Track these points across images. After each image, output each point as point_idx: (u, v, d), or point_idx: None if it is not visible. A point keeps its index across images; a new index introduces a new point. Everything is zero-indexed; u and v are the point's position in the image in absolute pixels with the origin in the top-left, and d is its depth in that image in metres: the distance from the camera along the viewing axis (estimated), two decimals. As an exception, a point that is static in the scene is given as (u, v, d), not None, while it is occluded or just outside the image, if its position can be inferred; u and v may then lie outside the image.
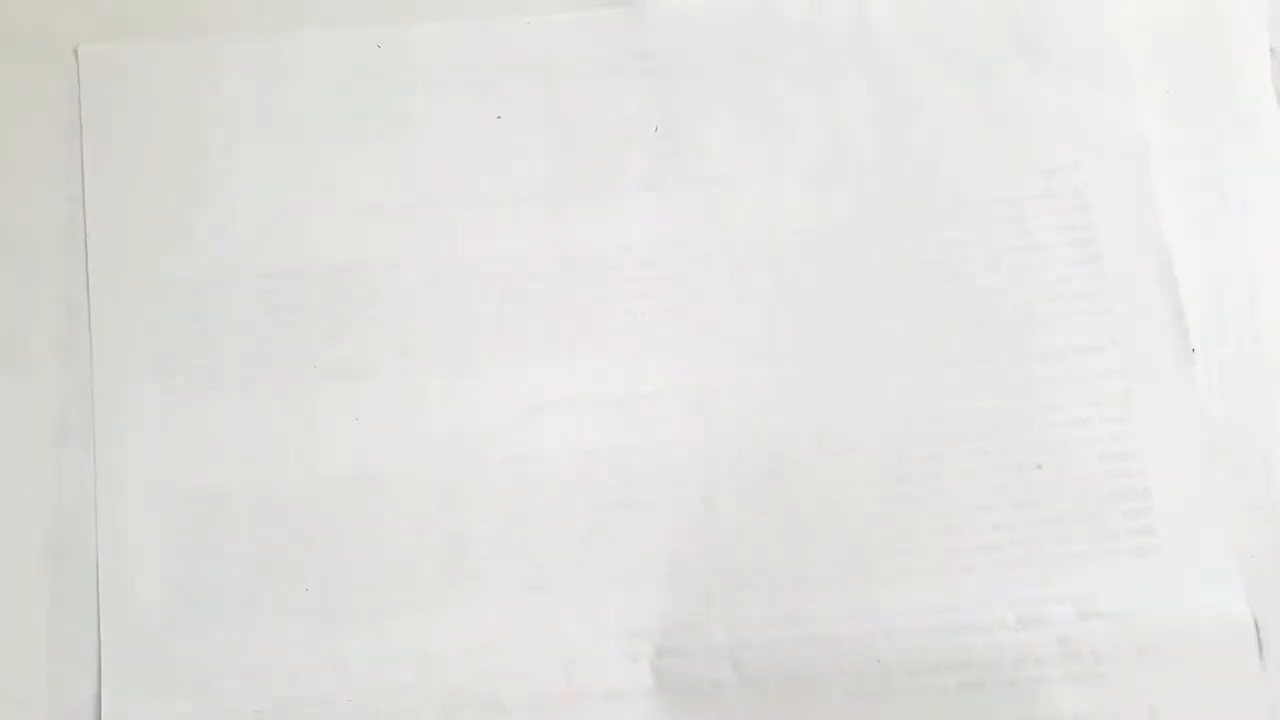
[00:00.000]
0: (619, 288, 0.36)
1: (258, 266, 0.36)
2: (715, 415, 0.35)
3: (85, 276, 0.36)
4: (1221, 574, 0.34)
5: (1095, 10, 0.37)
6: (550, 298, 0.36)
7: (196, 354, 0.35)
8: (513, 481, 0.35)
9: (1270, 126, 0.37)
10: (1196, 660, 0.33)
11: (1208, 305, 0.36)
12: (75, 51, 0.37)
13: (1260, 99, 0.37)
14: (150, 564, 0.34)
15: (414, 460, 0.35)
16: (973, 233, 0.36)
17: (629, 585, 0.34)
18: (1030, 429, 0.35)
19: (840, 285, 0.35)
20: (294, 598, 0.34)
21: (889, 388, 0.35)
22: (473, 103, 0.37)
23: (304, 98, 0.37)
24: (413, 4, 0.37)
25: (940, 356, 0.35)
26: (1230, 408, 0.35)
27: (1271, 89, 0.37)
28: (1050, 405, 0.35)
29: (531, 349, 0.35)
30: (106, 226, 0.36)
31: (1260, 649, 0.34)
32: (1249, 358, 0.36)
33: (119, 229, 0.36)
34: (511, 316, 0.36)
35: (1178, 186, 0.36)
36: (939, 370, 0.35)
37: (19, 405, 0.35)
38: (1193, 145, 0.36)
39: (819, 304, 0.35)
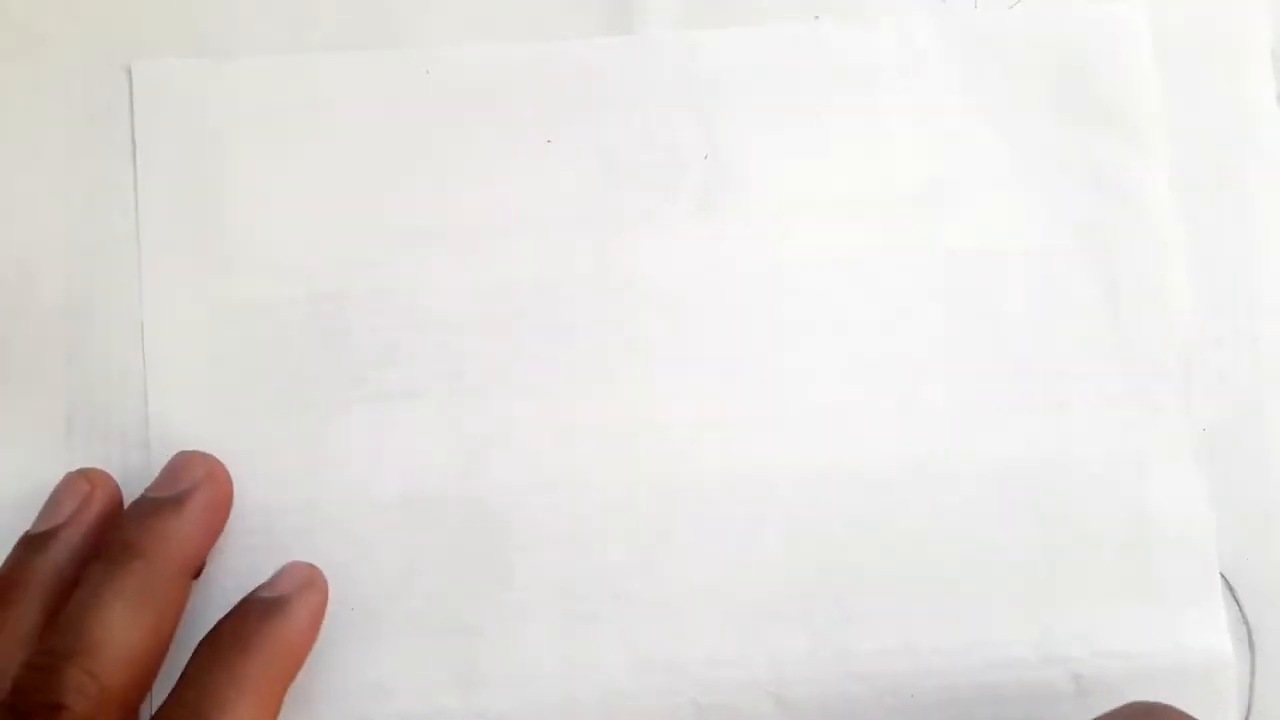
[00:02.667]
0: (664, 315, 0.36)
1: (307, 290, 0.36)
2: (758, 447, 0.35)
3: (87, 278, 0.35)
4: (1211, 617, 0.35)
5: (1130, 73, 0.37)
6: (596, 323, 0.36)
7: (246, 376, 0.35)
8: (557, 508, 0.35)
9: (1270, 128, 0.37)
10: (1185, 694, 0.34)
11: (1206, 306, 0.37)
12: (128, 69, 0.36)
13: (1260, 100, 0.37)
14: (196, 584, 0.34)
15: (458, 484, 0.35)
16: (1008, 281, 0.36)
17: (671, 617, 0.35)
18: (1057, 478, 0.36)
19: (883, 321, 0.36)
20: (338, 618, 0.34)
21: (928, 428, 0.36)
22: (522, 127, 0.37)
23: (355, 119, 0.37)
24: (462, 28, 0.37)
25: (978, 401, 0.36)
26: (1227, 411, 0.36)
27: (1272, 90, 0.37)
28: (1074, 456, 0.36)
29: (577, 374, 0.36)
30: (159, 247, 0.36)
31: (1250, 650, 0.35)
32: (1247, 359, 0.36)
33: (171, 250, 0.36)
34: (557, 341, 0.36)
35: (1177, 187, 0.37)
36: (977, 415, 0.36)
37: (23, 406, 0.35)
38: (1192, 146, 0.37)
39: (862, 338, 0.36)
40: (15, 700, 0.30)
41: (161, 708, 0.31)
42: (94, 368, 0.35)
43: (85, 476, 0.34)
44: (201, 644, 0.32)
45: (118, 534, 0.32)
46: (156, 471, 0.34)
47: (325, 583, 0.34)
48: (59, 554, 0.32)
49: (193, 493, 0.33)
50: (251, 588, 0.34)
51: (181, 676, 0.31)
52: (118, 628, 0.30)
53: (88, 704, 0.29)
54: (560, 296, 0.36)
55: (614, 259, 0.36)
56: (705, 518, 0.35)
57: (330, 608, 0.34)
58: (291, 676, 0.32)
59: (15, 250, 0.36)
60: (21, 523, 0.33)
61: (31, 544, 0.32)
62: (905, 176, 0.37)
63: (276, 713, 0.32)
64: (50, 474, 0.34)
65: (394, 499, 0.35)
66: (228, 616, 0.32)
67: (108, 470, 0.34)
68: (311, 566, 0.34)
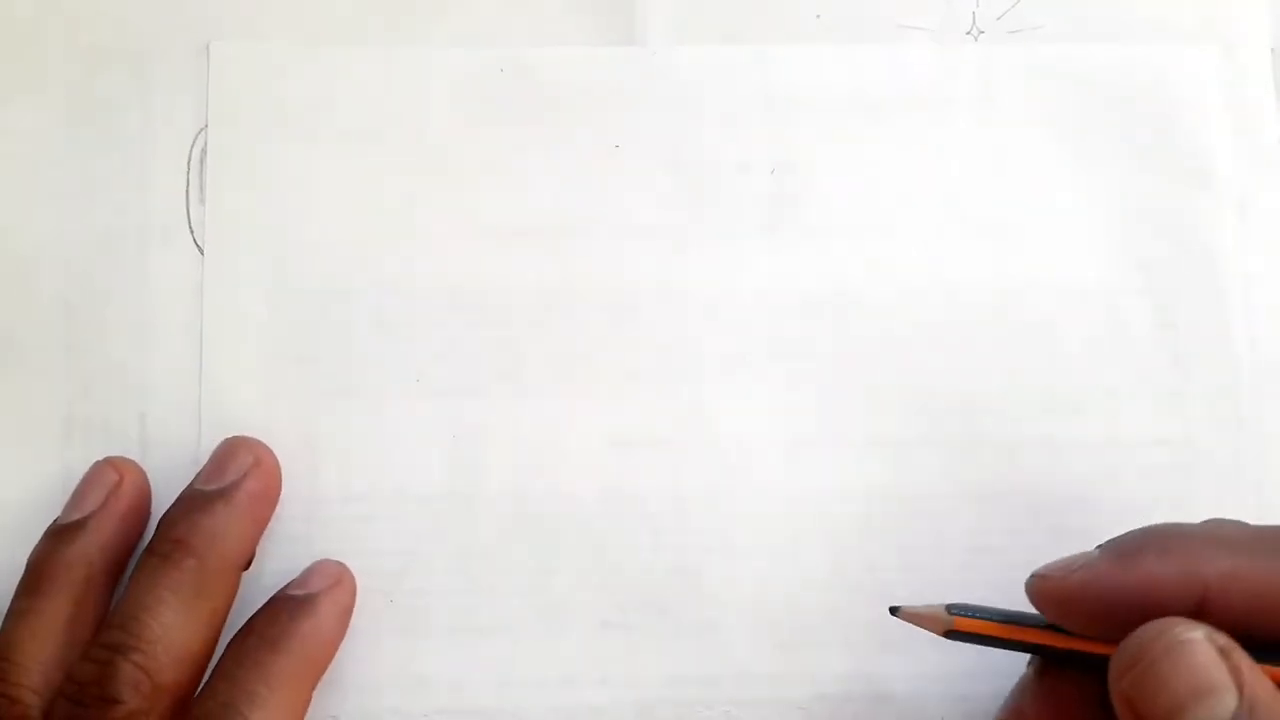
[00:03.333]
0: (722, 328, 0.36)
1: (370, 280, 0.36)
2: (808, 466, 0.36)
3: (87, 276, 0.36)
4: None
5: (1201, 116, 0.37)
6: (653, 332, 0.36)
7: (303, 362, 0.36)
8: (602, 514, 0.35)
9: (1270, 127, 0.37)
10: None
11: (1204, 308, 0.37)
12: (207, 47, 0.36)
13: (1260, 99, 0.37)
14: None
15: (507, 483, 0.35)
16: (1069, 316, 0.36)
17: (708, 629, 0.35)
18: (1106, 512, 0.36)
19: (942, 348, 0.36)
20: (380, 610, 0.34)
21: (980, 456, 0.36)
22: (593, 131, 0.37)
23: (427, 114, 0.37)
24: (540, 31, 0.37)
25: (1032, 433, 0.36)
26: (1221, 412, 0.36)
27: (1272, 89, 0.37)
28: (1124, 491, 0.36)
29: (631, 382, 0.36)
30: (223, 227, 0.36)
31: None
32: (1244, 362, 0.36)
33: (235, 230, 0.36)
34: (613, 348, 0.36)
35: None
36: (1029, 446, 0.36)
37: (23, 406, 0.35)
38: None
39: (920, 364, 0.36)
40: (72, 691, 0.30)
41: (195, 700, 0.31)
42: (94, 367, 0.35)
43: (113, 466, 0.34)
44: (234, 640, 0.32)
45: (169, 530, 0.32)
46: (156, 474, 0.35)
47: (353, 580, 0.34)
48: (88, 545, 0.32)
49: (241, 484, 0.33)
50: (289, 575, 0.34)
51: (214, 671, 0.32)
52: (172, 625, 0.31)
53: (142, 700, 0.30)
54: (618, 303, 0.36)
55: (674, 269, 0.36)
56: (750, 534, 0.35)
57: (371, 600, 0.34)
58: (320, 672, 0.33)
59: (16, 247, 0.36)
60: (21, 522, 0.34)
61: (60, 535, 0.33)
62: (972, 205, 0.37)
63: (305, 708, 0.32)
64: (50, 474, 0.35)
65: (442, 494, 0.35)
66: (259, 613, 0.33)
67: None
68: (340, 564, 0.34)
